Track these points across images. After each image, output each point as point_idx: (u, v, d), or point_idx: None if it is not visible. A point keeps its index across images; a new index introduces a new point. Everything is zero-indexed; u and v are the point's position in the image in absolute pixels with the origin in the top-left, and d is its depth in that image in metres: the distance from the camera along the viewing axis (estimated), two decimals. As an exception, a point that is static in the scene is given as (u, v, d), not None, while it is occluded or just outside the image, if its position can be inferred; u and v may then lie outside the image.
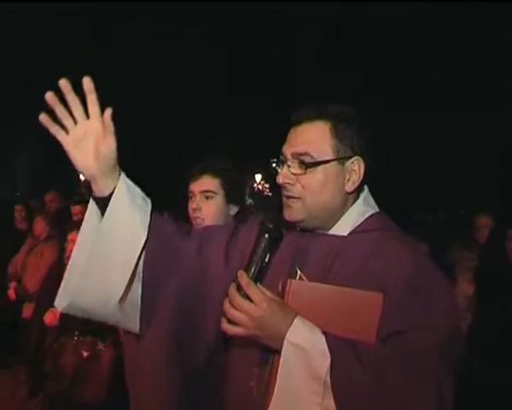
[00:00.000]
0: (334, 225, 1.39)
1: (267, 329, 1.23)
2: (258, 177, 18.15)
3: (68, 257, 3.80)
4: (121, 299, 1.43)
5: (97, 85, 1.30)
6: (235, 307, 1.24)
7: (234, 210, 2.12)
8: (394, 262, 1.27)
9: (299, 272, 1.35)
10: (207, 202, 2.07)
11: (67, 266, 1.49)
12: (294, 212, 1.37)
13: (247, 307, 1.22)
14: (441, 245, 4.13)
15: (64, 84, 1.27)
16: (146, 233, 1.41)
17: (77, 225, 3.75)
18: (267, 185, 17.88)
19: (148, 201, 1.47)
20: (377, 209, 1.44)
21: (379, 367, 1.18)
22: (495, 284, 3.54)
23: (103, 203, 1.38)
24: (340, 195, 1.36)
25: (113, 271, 1.39)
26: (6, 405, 4.93)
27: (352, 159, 1.36)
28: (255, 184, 17.72)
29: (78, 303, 1.45)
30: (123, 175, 1.40)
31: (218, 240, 1.54)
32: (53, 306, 3.66)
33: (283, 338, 1.21)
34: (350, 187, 1.37)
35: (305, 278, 1.34)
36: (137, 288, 1.46)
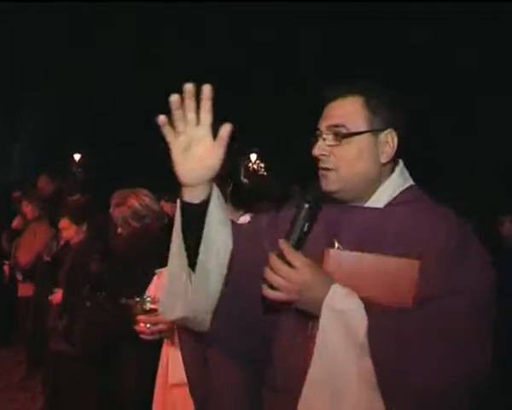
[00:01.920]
0: (370, 198, 1.43)
1: (306, 293, 1.27)
2: (253, 156, 18.14)
3: (64, 243, 3.86)
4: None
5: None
6: (275, 273, 1.27)
7: (228, 189, 2.13)
8: (429, 232, 1.32)
9: (336, 243, 1.38)
10: None
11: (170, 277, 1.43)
12: (330, 182, 1.40)
13: (288, 272, 1.26)
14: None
15: (190, 89, 1.24)
16: (231, 243, 1.39)
17: (68, 213, 3.78)
18: (262, 165, 17.88)
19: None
20: (412, 182, 1.46)
21: (415, 329, 1.24)
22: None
23: (193, 209, 1.34)
24: (374, 166, 1.40)
25: (212, 279, 1.37)
26: (5, 384, 4.98)
27: (386, 131, 1.39)
28: (250, 164, 17.71)
29: (188, 315, 1.40)
30: (215, 187, 1.36)
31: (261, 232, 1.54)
32: (51, 286, 3.72)
33: (322, 302, 1.25)
34: (384, 159, 1.40)
35: (342, 248, 1.38)
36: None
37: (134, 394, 2.74)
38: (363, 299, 1.27)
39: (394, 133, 1.40)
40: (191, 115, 1.26)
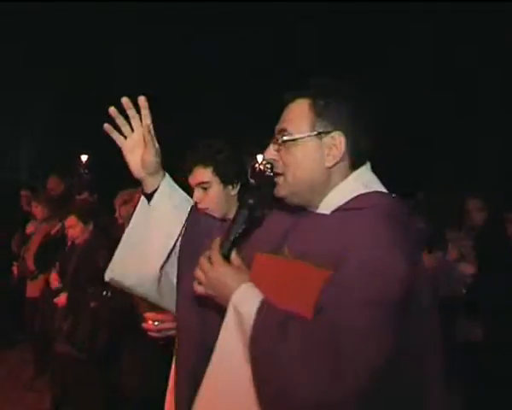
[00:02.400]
0: (321, 203, 1.39)
1: (219, 289, 1.33)
2: (259, 157, 18.12)
3: (71, 241, 3.88)
4: (158, 280, 1.73)
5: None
6: (200, 269, 1.37)
7: (235, 190, 2.12)
8: (354, 242, 1.23)
9: (286, 248, 1.38)
10: (205, 192, 2.07)
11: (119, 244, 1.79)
12: (279, 188, 1.40)
13: (206, 268, 1.35)
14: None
15: (126, 101, 1.60)
16: (181, 225, 1.73)
17: (75, 211, 3.80)
18: (269, 165, 17.82)
19: (190, 200, 1.82)
20: (375, 188, 1.37)
21: (297, 341, 1.18)
22: (497, 264, 3.59)
23: (149, 199, 1.72)
24: (319, 170, 1.35)
25: (151, 253, 1.71)
26: (12, 384, 5.00)
27: (332, 134, 1.33)
28: (257, 164, 17.69)
29: (118, 277, 1.77)
30: (166, 177, 1.73)
31: None
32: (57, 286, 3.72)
33: (230, 299, 1.29)
34: (330, 162, 1.34)
35: (289, 254, 1.36)
36: (173, 273, 1.74)
37: (138, 393, 2.75)
38: (267, 301, 1.26)
39: (342, 136, 1.33)
40: (129, 122, 1.63)
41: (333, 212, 1.35)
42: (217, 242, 1.39)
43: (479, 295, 3.54)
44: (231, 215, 2.03)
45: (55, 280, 3.83)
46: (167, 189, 1.73)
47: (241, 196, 1.46)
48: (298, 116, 1.37)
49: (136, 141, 1.65)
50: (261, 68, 13.49)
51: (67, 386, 3.54)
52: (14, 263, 5.31)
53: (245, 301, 1.27)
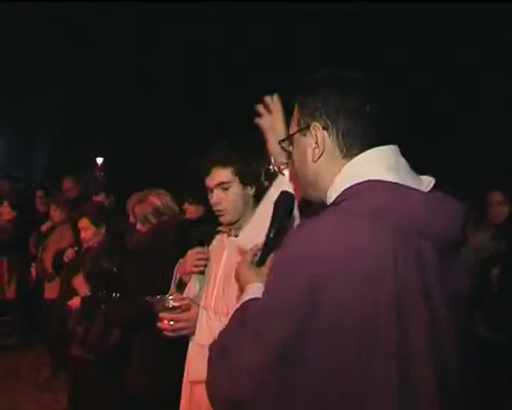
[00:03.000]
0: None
1: (239, 282, 1.48)
2: (272, 158, 18.07)
3: (86, 244, 3.90)
4: None
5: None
6: None
7: (252, 191, 2.13)
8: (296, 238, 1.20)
9: None
10: (225, 193, 2.07)
11: None
12: (300, 189, 1.45)
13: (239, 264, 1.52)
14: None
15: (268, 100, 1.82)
16: None
17: (88, 213, 3.82)
18: (283, 166, 17.76)
19: None
20: (371, 177, 1.20)
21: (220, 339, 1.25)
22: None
23: None
24: (308, 166, 1.31)
25: None
26: (29, 384, 5.05)
27: (311, 126, 1.28)
28: (271, 166, 17.64)
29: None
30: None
31: None
32: (73, 289, 3.76)
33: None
34: (315, 155, 1.28)
35: None
36: None
37: (149, 393, 2.77)
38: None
39: (318, 126, 1.27)
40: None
41: (328, 206, 1.27)
42: (256, 245, 1.50)
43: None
44: (246, 218, 2.05)
45: (81, 284, 3.77)
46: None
47: (274, 203, 1.50)
48: (293, 119, 1.39)
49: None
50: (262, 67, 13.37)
51: (82, 388, 3.56)
52: (33, 264, 5.35)
53: (244, 296, 1.36)
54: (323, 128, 1.26)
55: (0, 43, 11.81)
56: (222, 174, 2.07)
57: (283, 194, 1.52)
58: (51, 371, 5.14)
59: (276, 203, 1.50)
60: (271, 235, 1.46)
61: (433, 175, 1.27)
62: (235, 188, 2.07)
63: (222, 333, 1.26)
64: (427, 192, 1.20)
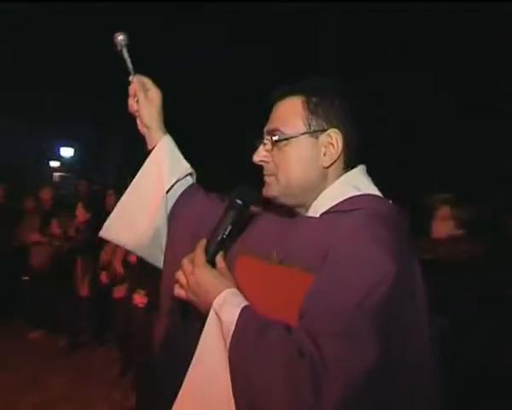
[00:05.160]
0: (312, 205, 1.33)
1: (200, 295, 1.26)
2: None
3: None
4: (152, 238, 1.62)
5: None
6: (182, 272, 1.31)
7: None
8: (337, 241, 1.17)
9: (275, 253, 1.31)
10: None
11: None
12: (269, 188, 1.34)
13: (187, 270, 1.28)
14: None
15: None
16: (169, 185, 1.61)
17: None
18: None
19: (186, 164, 1.68)
20: (368, 191, 1.30)
21: (274, 353, 1.08)
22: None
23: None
24: (315, 170, 1.29)
25: (143, 212, 1.61)
26: (100, 380, 5.19)
27: (328, 131, 1.28)
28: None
29: (111, 233, 1.67)
30: (167, 136, 1.65)
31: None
32: (140, 287, 3.83)
33: (210, 307, 1.21)
34: (327, 161, 1.29)
35: (277, 257, 1.30)
36: (164, 231, 1.62)
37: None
38: (255, 310, 1.19)
39: (339, 134, 1.28)
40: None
41: (321, 215, 1.29)
42: (202, 243, 1.32)
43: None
44: None
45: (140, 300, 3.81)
46: (166, 145, 1.64)
47: (229, 196, 1.39)
48: (291, 115, 1.31)
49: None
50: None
51: (150, 385, 3.61)
52: (103, 272, 5.48)
53: (226, 307, 1.19)
54: (340, 134, 1.28)
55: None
56: None
57: (243, 186, 1.41)
58: (121, 368, 5.26)
59: (233, 197, 1.37)
60: (225, 233, 1.33)
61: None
62: None
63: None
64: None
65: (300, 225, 1.32)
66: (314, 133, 1.28)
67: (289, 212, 1.37)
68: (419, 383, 1.13)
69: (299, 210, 1.36)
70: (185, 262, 1.31)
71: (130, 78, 1.63)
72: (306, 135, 1.29)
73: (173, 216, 1.63)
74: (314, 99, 1.29)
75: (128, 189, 1.64)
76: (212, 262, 1.31)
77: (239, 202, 1.35)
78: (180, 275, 1.32)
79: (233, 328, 1.15)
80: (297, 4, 11.39)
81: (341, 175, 1.32)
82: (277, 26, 11.73)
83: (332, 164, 1.30)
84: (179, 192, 1.65)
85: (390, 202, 1.31)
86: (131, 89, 1.61)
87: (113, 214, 1.66)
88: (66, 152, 16.03)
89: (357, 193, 1.28)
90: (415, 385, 1.12)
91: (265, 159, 1.34)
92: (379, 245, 1.13)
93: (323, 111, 1.29)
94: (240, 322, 1.15)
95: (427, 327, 1.16)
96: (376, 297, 1.06)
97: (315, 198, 1.31)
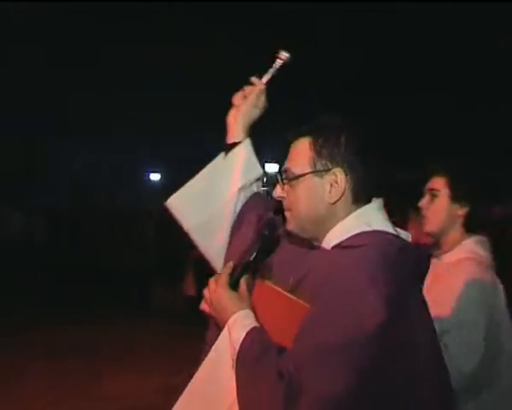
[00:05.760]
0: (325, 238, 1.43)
1: (219, 311, 1.39)
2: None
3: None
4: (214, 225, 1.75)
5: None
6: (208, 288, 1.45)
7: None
8: (333, 277, 1.26)
9: (291, 279, 1.41)
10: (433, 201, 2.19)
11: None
12: (288, 223, 1.46)
13: (211, 288, 1.42)
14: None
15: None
16: (241, 183, 1.75)
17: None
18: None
19: (260, 169, 1.80)
20: (377, 227, 1.35)
21: (269, 376, 1.20)
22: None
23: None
24: (323, 206, 1.38)
25: (214, 199, 1.75)
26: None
27: (333, 170, 1.37)
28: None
29: (177, 205, 1.80)
30: (249, 139, 1.78)
31: None
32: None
33: (225, 325, 1.35)
34: (333, 198, 1.38)
35: (293, 284, 1.40)
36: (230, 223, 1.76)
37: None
38: (261, 333, 1.31)
39: (342, 173, 1.37)
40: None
41: (332, 248, 1.37)
42: (229, 266, 1.45)
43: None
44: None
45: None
46: (246, 146, 1.78)
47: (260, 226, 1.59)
48: (299, 155, 1.42)
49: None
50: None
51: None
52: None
53: (236, 327, 1.31)
54: (343, 174, 1.36)
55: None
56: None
57: (272, 217, 1.59)
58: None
59: (264, 226, 1.53)
60: (251, 257, 1.46)
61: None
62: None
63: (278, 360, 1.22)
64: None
65: (314, 256, 1.42)
66: (319, 173, 1.38)
67: (309, 242, 1.46)
68: None
69: (314, 243, 1.45)
70: (211, 281, 1.44)
71: (260, 80, 1.78)
72: (312, 174, 1.39)
73: (241, 217, 1.76)
74: (320, 140, 1.39)
75: (204, 170, 1.79)
76: (236, 284, 1.42)
77: (265, 232, 1.50)
78: (206, 292, 1.45)
79: (238, 347, 1.28)
80: (297, 4, 11.40)
81: (352, 209, 1.39)
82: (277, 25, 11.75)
83: (338, 200, 1.38)
84: (247, 194, 1.79)
85: (401, 236, 1.38)
86: (252, 88, 1.76)
87: (183, 189, 1.80)
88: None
89: (367, 229, 1.35)
90: None
91: (282, 195, 1.46)
92: (373, 286, 1.19)
93: (328, 151, 1.38)
94: (245, 341, 1.27)
95: (431, 376, 1.25)
96: (360, 338, 1.14)
97: (327, 232, 1.40)
